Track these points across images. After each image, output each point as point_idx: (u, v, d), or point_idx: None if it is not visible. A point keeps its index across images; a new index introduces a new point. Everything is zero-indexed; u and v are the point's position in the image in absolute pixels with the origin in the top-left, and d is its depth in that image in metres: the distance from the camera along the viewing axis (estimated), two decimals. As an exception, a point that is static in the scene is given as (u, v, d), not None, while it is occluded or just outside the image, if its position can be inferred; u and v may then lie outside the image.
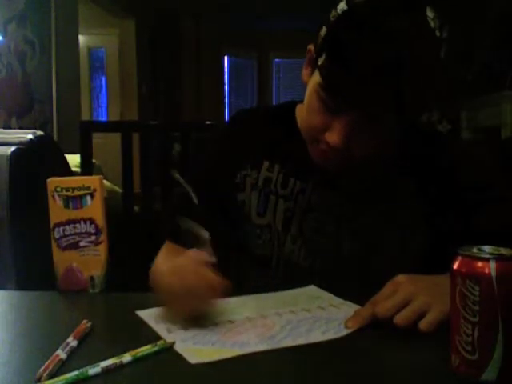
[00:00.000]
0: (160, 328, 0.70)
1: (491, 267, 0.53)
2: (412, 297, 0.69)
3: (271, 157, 0.97)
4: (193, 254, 0.78)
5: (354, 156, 0.85)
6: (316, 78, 0.84)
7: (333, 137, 0.82)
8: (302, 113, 0.98)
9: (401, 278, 0.72)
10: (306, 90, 0.90)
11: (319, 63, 0.82)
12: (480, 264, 0.54)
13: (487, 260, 0.54)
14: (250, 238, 0.97)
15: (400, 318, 0.67)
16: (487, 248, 0.57)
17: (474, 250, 0.56)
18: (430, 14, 0.79)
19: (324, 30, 0.82)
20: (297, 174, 0.95)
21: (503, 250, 0.56)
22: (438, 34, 0.79)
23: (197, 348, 0.64)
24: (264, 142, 0.98)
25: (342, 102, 0.81)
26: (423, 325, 0.66)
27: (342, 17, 0.80)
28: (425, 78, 0.79)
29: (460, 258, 0.56)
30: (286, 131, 0.99)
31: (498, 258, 0.54)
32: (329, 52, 0.80)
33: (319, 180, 0.94)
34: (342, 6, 0.80)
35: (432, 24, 0.79)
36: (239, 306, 0.78)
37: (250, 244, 0.97)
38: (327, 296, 0.84)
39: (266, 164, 0.97)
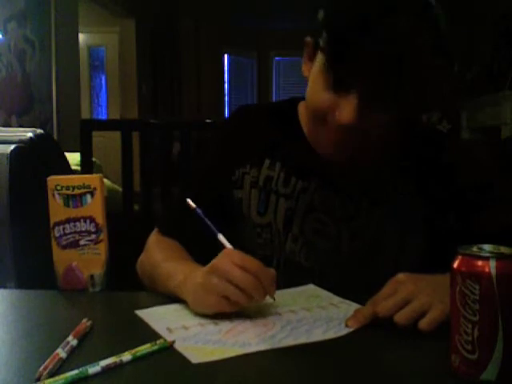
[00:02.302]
0: (160, 327, 0.70)
1: (491, 266, 0.53)
2: (412, 296, 0.69)
3: (272, 155, 0.96)
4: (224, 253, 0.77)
5: (361, 140, 0.84)
6: (319, 62, 0.84)
7: (343, 114, 0.81)
8: (304, 110, 0.98)
9: (401, 277, 0.72)
10: (306, 86, 0.89)
11: (321, 44, 0.82)
12: (480, 263, 0.54)
13: (487, 259, 0.54)
14: (250, 237, 0.96)
15: (400, 317, 0.67)
16: (487, 247, 0.57)
17: (474, 248, 0.56)
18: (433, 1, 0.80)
19: (321, 13, 0.82)
20: (298, 173, 0.95)
21: (503, 249, 0.56)
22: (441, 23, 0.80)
23: (197, 347, 0.64)
24: (265, 139, 0.98)
25: (348, 75, 0.80)
26: (423, 324, 0.66)
27: None
28: (428, 49, 0.79)
29: (460, 256, 0.56)
30: (287, 129, 0.98)
31: (498, 256, 0.54)
32: (329, 28, 0.80)
33: (321, 180, 0.94)
34: None
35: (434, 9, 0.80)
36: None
37: (249, 244, 0.96)
38: (326, 295, 0.84)
39: (266, 162, 0.97)
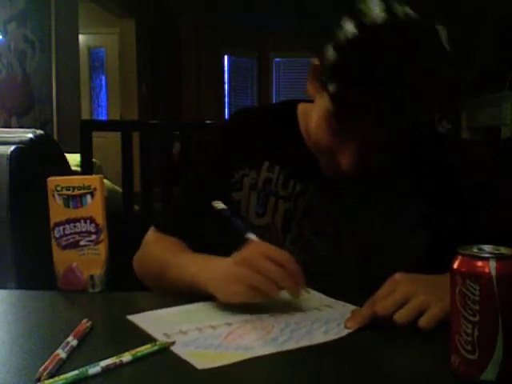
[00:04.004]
0: (157, 333, 0.68)
1: (491, 266, 0.53)
2: (411, 295, 0.69)
3: (271, 157, 0.97)
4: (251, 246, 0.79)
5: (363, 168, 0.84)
6: (326, 102, 0.81)
7: (343, 161, 0.83)
8: (305, 115, 0.97)
9: (398, 276, 0.72)
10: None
11: (330, 90, 0.79)
12: (480, 263, 0.54)
13: (487, 259, 0.54)
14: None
15: (399, 316, 0.67)
16: (487, 247, 0.56)
17: (474, 249, 0.56)
18: (442, 34, 0.75)
19: (332, 53, 0.77)
20: (297, 176, 0.95)
21: (503, 249, 0.56)
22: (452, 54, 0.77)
23: (199, 352, 0.63)
24: (264, 142, 0.98)
25: (354, 132, 0.80)
26: (422, 322, 0.66)
27: (352, 43, 0.75)
28: (439, 108, 0.81)
29: (460, 257, 0.56)
30: (286, 132, 0.98)
31: (498, 257, 0.54)
32: (339, 81, 0.77)
33: (319, 183, 0.94)
34: (351, 28, 0.75)
35: (447, 46, 0.75)
36: (234, 308, 0.77)
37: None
38: (318, 296, 0.83)
39: (265, 164, 0.97)
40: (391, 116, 0.77)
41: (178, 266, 0.87)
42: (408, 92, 0.74)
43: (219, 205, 0.85)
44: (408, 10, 0.74)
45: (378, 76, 0.74)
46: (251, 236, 0.82)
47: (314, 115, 0.89)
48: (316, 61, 0.85)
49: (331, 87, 0.78)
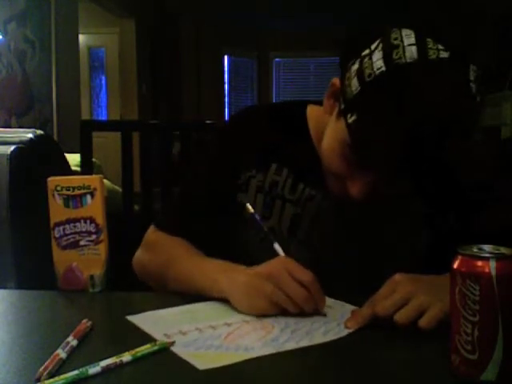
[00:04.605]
0: (157, 333, 0.68)
1: (491, 266, 0.53)
2: (411, 295, 0.69)
3: (279, 160, 0.95)
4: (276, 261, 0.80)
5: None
6: (343, 130, 0.79)
7: (354, 190, 0.82)
8: (316, 120, 0.96)
9: (398, 277, 0.72)
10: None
11: (348, 120, 0.76)
12: (480, 263, 0.54)
13: (487, 259, 0.54)
14: (253, 241, 0.96)
15: (400, 316, 0.67)
16: (487, 247, 0.57)
17: (474, 249, 0.56)
18: (472, 75, 0.74)
19: (356, 84, 0.75)
20: (306, 180, 0.94)
21: (503, 249, 0.56)
22: (478, 99, 0.74)
23: (200, 353, 0.62)
24: (272, 143, 0.96)
25: (367, 164, 0.79)
26: (423, 322, 0.66)
27: (379, 79, 0.72)
28: (461, 149, 0.79)
29: (460, 257, 0.56)
30: (295, 134, 0.97)
31: (498, 257, 0.54)
32: (361, 116, 0.75)
33: (327, 191, 0.93)
34: (380, 64, 0.73)
35: (474, 89, 0.74)
36: (234, 308, 0.77)
37: (252, 248, 0.96)
38: None
39: (273, 167, 0.95)
40: (407, 150, 0.75)
41: (187, 273, 0.87)
42: (431, 129, 0.73)
43: (249, 208, 0.86)
44: (441, 48, 0.72)
45: (400, 120, 0.72)
46: (277, 248, 0.82)
47: (327, 134, 0.86)
48: (336, 81, 0.82)
49: (350, 119, 0.76)
